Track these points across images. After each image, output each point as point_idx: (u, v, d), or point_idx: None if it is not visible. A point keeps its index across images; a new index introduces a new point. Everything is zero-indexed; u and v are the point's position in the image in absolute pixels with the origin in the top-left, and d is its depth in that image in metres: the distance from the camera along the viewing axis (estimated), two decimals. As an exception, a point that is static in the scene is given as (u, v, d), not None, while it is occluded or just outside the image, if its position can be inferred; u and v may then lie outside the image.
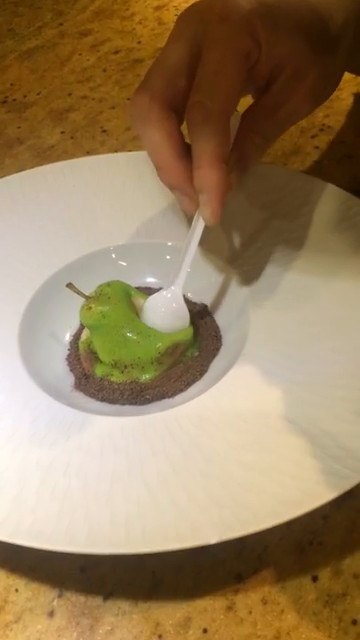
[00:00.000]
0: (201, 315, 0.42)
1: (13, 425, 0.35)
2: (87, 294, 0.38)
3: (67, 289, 0.38)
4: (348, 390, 0.34)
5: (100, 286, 0.38)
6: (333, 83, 0.37)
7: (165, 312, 0.38)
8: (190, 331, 0.39)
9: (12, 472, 0.33)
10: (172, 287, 0.38)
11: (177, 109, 0.34)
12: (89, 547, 0.29)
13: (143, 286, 0.44)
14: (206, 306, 0.43)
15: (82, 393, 0.39)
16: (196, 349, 0.40)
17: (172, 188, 0.35)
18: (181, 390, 0.38)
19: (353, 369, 0.35)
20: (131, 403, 0.38)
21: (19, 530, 0.30)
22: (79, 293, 0.38)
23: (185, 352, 0.39)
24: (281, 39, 0.32)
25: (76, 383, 0.39)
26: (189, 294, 0.43)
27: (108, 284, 0.38)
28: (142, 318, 0.39)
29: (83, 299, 0.38)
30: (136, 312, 0.39)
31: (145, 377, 0.38)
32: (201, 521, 0.29)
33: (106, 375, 0.38)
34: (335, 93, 0.61)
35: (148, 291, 0.42)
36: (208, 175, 0.32)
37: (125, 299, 0.39)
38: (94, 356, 0.39)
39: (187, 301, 0.41)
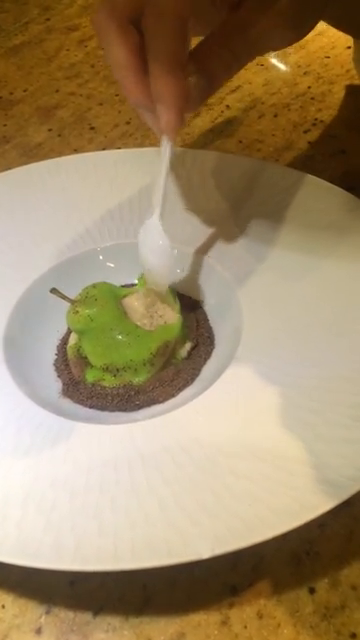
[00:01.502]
0: (193, 311, 0.41)
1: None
2: (73, 298, 0.37)
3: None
4: (344, 395, 0.32)
5: (85, 288, 0.37)
6: (311, 15, 0.35)
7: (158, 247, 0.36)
8: (178, 325, 0.37)
9: (-4, 484, 0.31)
10: (151, 219, 0.35)
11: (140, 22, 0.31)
12: (76, 564, 0.28)
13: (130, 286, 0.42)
14: (198, 302, 0.41)
15: (70, 400, 0.38)
16: (187, 340, 0.39)
17: (137, 106, 0.33)
18: (172, 395, 0.37)
19: (349, 373, 0.33)
20: (121, 410, 0.37)
21: (3, 546, 0.29)
22: (64, 298, 0.37)
23: (176, 351, 0.38)
24: None
25: (64, 389, 0.38)
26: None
27: (94, 285, 0.37)
28: (140, 259, 0.36)
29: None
30: (125, 312, 0.38)
31: (138, 379, 0.37)
32: (193, 534, 0.28)
33: (98, 380, 0.37)
34: (327, 87, 0.61)
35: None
36: (162, 82, 0.30)
37: (112, 300, 0.37)
38: (84, 361, 0.38)
39: (180, 295, 0.40)
